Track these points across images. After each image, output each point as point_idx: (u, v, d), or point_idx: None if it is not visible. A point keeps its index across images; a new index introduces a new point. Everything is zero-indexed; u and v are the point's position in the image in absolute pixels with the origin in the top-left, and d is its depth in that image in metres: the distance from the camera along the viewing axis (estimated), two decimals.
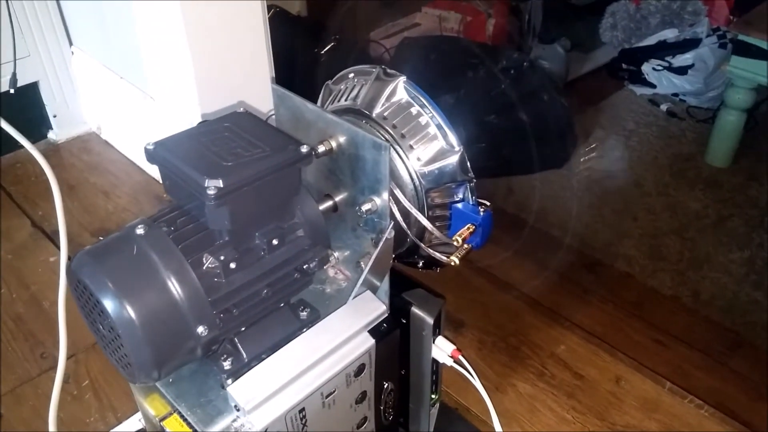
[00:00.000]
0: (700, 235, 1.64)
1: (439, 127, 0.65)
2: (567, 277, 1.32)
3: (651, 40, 2.29)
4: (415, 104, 0.66)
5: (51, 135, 1.53)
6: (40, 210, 1.30)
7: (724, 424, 0.91)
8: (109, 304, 0.51)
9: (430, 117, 0.65)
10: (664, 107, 2.15)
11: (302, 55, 1.85)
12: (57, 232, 0.89)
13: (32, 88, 1.46)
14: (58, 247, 1.06)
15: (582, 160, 1.92)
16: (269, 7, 1.88)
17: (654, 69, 2.21)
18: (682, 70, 2.16)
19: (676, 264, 1.54)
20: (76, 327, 0.81)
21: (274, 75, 1.25)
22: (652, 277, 1.50)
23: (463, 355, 0.74)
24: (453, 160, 0.64)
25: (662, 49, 2.25)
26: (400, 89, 0.66)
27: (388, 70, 0.68)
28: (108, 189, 1.37)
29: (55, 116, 1.51)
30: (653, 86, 2.21)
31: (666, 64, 2.19)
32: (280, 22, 1.90)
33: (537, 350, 1.02)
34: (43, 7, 1.40)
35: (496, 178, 1.82)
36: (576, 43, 2.38)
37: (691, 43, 2.19)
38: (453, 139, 0.64)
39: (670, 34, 2.27)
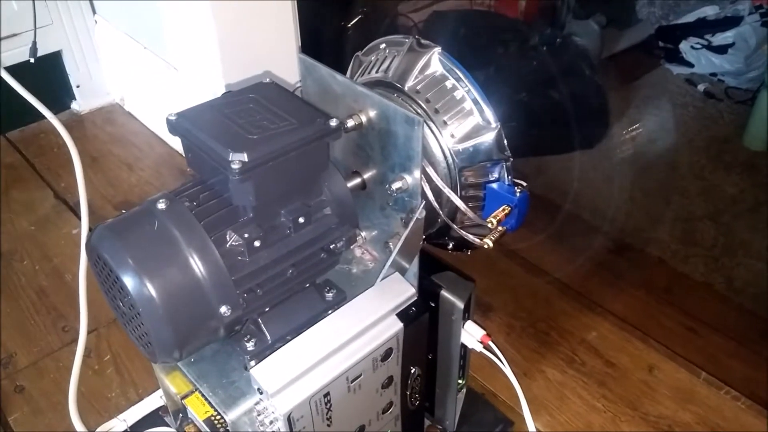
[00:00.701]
0: (736, 220, 1.58)
1: (475, 102, 0.61)
2: (598, 262, 1.28)
3: (690, 17, 2.21)
4: (450, 77, 0.62)
5: (74, 106, 1.52)
6: (63, 182, 1.29)
7: (761, 417, 0.88)
8: (128, 281, 0.48)
9: (466, 91, 0.62)
10: (701, 87, 2.07)
11: (329, 28, 1.81)
12: (79, 204, 0.88)
13: (55, 57, 1.44)
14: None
15: (615, 140, 1.87)
16: None
17: (692, 47, 2.13)
18: (721, 49, 2.08)
19: (709, 250, 1.50)
20: (98, 301, 0.80)
21: (300, 45, 1.21)
22: (685, 262, 1.45)
23: (492, 341, 0.71)
24: (489, 137, 0.61)
25: (701, 27, 2.17)
26: (434, 61, 0.63)
27: (422, 41, 0.65)
28: (131, 161, 1.36)
29: (78, 86, 1.50)
30: (691, 65, 2.13)
31: (705, 43, 2.11)
32: None
33: (567, 336, 0.98)
34: None
35: (526, 158, 1.78)
36: (611, 20, 2.29)
37: (732, 21, 2.10)
38: (490, 114, 0.61)
39: (710, 11, 2.18)
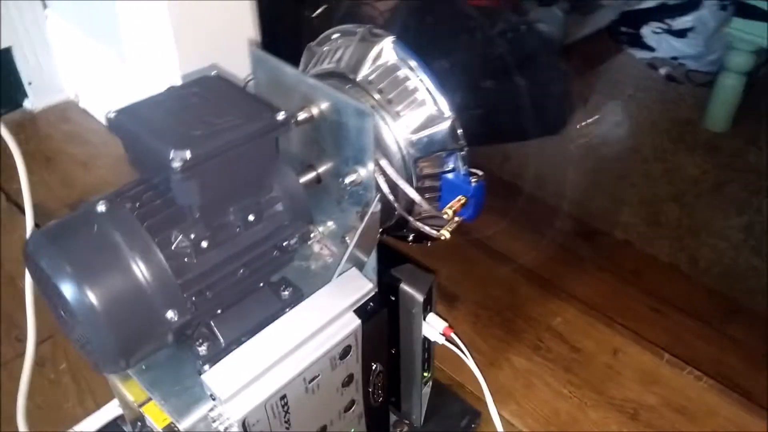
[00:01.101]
0: (699, 201, 1.61)
1: (428, 91, 0.60)
2: (564, 247, 1.28)
3: (651, 2, 2.22)
4: (403, 66, 0.61)
5: (26, 103, 1.47)
6: (15, 183, 1.24)
7: (723, 395, 0.89)
8: (67, 289, 0.46)
9: (419, 80, 0.60)
10: (663, 71, 2.09)
11: (294, 19, 1.78)
12: (34, 207, 0.84)
13: (5, 54, 1.39)
14: (36, 225, 1.01)
15: (579, 126, 1.87)
16: None
17: (653, 32, 2.15)
18: (681, 33, 2.10)
19: (674, 230, 1.52)
20: None
21: (260, 36, 1.19)
22: (651, 244, 1.47)
23: (455, 332, 0.71)
24: (443, 127, 0.60)
25: (662, 11, 2.18)
26: (387, 50, 0.61)
27: (375, 30, 0.63)
28: (87, 160, 1.32)
29: (30, 83, 1.44)
30: (652, 50, 2.15)
31: (665, 27, 2.13)
32: None
33: (533, 323, 0.98)
34: None
35: (492, 146, 1.77)
36: (575, 5, 2.30)
37: (691, 5, 2.12)
38: (443, 104, 0.60)
39: None
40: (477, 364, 0.71)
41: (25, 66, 1.42)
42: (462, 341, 0.70)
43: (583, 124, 1.82)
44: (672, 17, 2.14)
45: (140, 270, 0.48)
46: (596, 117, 1.85)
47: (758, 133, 1.81)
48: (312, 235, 0.63)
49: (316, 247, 0.67)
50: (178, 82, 1.06)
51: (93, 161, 1.31)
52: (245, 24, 1.14)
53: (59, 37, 1.42)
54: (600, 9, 2.36)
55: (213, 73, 0.58)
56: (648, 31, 2.16)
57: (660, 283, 1.25)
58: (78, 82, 1.47)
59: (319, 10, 1.85)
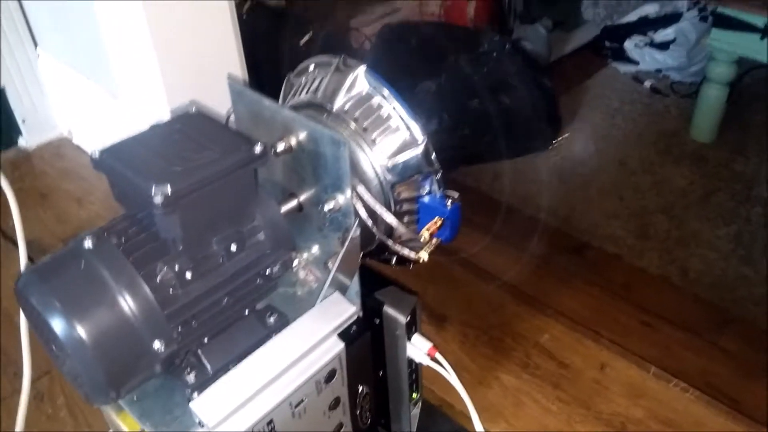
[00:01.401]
0: (687, 212, 1.63)
1: (401, 118, 0.62)
2: (554, 262, 1.30)
3: (632, 16, 2.27)
4: (376, 95, 0.63)
5: (21, 141, 1.49)
6: (11, 220, 1.26)
7: (710, 406, 0.90)
8: (57, 325, 0.48)
9: (392, 108, 0.62)
10: (647, 84, 2.13)
11: (282, 47, 1.81)
12: (28, 243, 0.86)
13: None
14: (31, 260, 1.03)
15: (567, 141, 1.90)
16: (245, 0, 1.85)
17: (636, 45, 2.19)
18: (664, 46, 2.14)
19: (663, 242, 1.53)
20: None
21: (245, 71, 1.22)
22: (640, 257, 1.48)
23: (444, 352, 0.72)
24: (417, 152, 0.62)
25: (644, 25, 2.23)
26: (360, 80, 0.64)
27: (348, 60, 0.65)
28: (81, 195, 1.34)
29: (24, 121, 1.47)
30: (636, 63, 2.19)
31: (648, 40, 2.17)
32: (258, 15, 1.86)
33: (521, 341, 1.00)
34: (5, 9, 1.36)
35: (481, 164, 1.80)
36: (558, 22, 2.34)
37: (672, 18, 2.16)
38: (416, 130, 0.62)
39: (651, 9, 2.24)
40: (466, 384, 0.72)
41: (18, 105, 1.46)
42: (451, 361, 0.71)
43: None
44: (654, 30, 2.18)
45: (127, 303, 0.49)
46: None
47: (743, 143, 1.84)
48: (296, 262, 0.64)
49: (302, 274, 0.69)
50: (167, 115, 1.09)
51: (87, 197, 1.33)
52: (231, 58, 1.16)
53: (51, 75, 1.45)
54: (583, 25, 2.40)
55: (193, 110, 0.60)
56: (631, 45, 2.20)
57: (650, 296, 1.26)
58: (71, 118, 1.50)
59: (305, 38, 1.89)
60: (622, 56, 2.22)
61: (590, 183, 1.73)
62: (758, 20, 1.61)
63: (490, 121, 1.78)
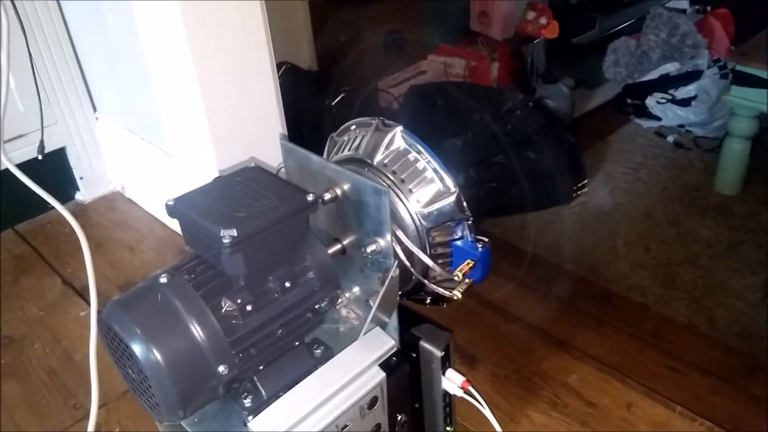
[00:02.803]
0: (713, 262, 1.65)
1: (435, 171, 0.70)
2: (581, 310, 1.33)
3: (653, 75, 2.34)
4: (412, 151, 0.71)
5: (78, 196, 1.61)
6: (70, 267, 1.36)
7: None
8: (137, 349, 0.55)
9: (426, 162, 0.70)
10: (670, 139, 2.18)
11: (315, 107, 1.92)
12: (86, 288, 0.94)
13: (60, 153, 1.55)
14: (88, 303, 1.11)
15: (592, 194, 1.95)
16: (281, 64, 1.98)
17: (658, 102, 2.25)
18: (685, 102, 2.20)
19: (690, 292, 1.55)
20: (107, 377, 0.86)
21: (285, 130, 1.32)
22: (667, 306, 1.50)
23: (473, 386, 0.77)
24: (450, 200, 0.69)
25: (665, 83, 2.30)
26: (397, 138, 0.72)
27: (387, 121, 0.74)
28: (133, 244, 1.44)
29: (81, 178, 1.59)
30: (659, 119, 2.25)
31: (669, 97, 2.24)
32: (292, 78, 1.99)
33: (549, 381, 1.04)
34: (68, 76, 1.50)
35: (508, 216, 1.86)
36: (580, 81, 2.43)
37: (692, 75, 2.23)
38: (449, 181, 0.69)
39: (671, 68, 2.32)
40: (498, 421, 0.76)
41: (77, 163, 1.58)
42: (482, 399, 0.76)
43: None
44: (675, 87, 2.25)
45: (197, 331, 0.57)
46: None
47: None
48: (339, 300, 0.71)
49: (344, 312, 0.75)
50: (215, 173, 1.19)
51: (138, 245, 1.43)
52: (273, 120, 1.26)
53: (107, 135, 1.58)
54: (605, 83, 2.49)
55: (252, 165, 0.69)
56: (653, 102, 2.27)
57: (678, 343, 1.29)
58: (124, 174, 1.62)
59: (337, 99, 2.01)
60: (645, 113, 2.29)
61: (616, 234, 1.77)
62: None
63: (516, 175, 1.85)
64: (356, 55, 2.23)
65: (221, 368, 0.57)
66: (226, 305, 0.60)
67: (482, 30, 2.45)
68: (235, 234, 0.57)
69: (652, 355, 1.18)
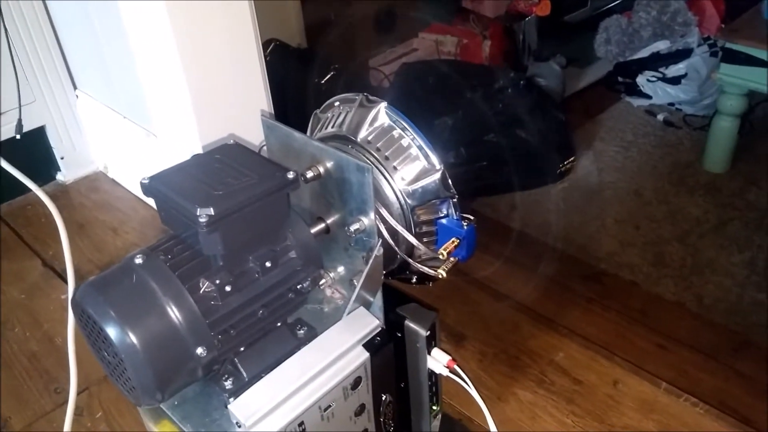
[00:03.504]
0: (702, 240, 1.65)
1: (420, 148, 0.68)
2: (570, 288, 1.33)
3: (644, 53, 2.33)
4: (396, 127, 0.69)
5: (59, 176, 1.58)
6: (51, 250, 1.34)
7: (720, 420, 0.93)
8: (112, 331, 0.54)
9: (411, 139, 0.68)
10: (660, 117, 2.17)
11: (304, 85, 1.90)
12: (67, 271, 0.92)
13: (39, 132, 1.51)
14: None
15: (583, 172, 1.95)
16: (269, 42, 1.94)
17: (648, 80, 2.24)
18: (675, 80, 2.19)
19: (679, 270, 1.56)
20: (88, 361, 0.84)
21: (271, 108, 1.29)
22: (656, 284, 1.51)
23: (459, 366, 0.76)
24: (435, 178, 0.67)
25: (655, 61, 2.29)
26: (381, 114, 0.70)
27: (370, 97, 0.72)
28: (116, 225, 1.41)
29: (62, 158, 1.56)
30: (649, 97, 2.24)
31: (660, 75, 2.23)
32: (280, 56, 1.96)
33: (536, 359, 1.04)
34: (46, 54, 1.46)
35: (499, 195, 1.85)
36: (571, 59, 2.42)
37: (683, 53, 2.22)
38: (434, 158, 0.67)
39: (662, 46, 2.30)
40: (484, 399, 0.76)
41: (57, 142, 1.55)
42: (469, 377, 0.75)
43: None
44: (665, 66, 2.24)
45: (174, 312, 0.55)
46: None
47: (756, 173, 1.87)
48: (323, 280, 0.70)
49: (328, 291, 0.74)
50: (199, 150, 1.17)
51: (121, 226, 1.41)
52: (259, 97, 1.24)
53: (89, 114, 1.54)
54: (596, 61, 2.47)
55: (231, 142, 0.67)
56: (643, 80, 2.26)
57: (666, 321, 1.29)
58: (106, 154, 1.59)
59: (327, 77, 1.98)
60: (635, 91, 2.28)
61: (606, 213, 1.77)
62: (764, 54, 1.66)
63: (506, 154, 1.84)
64: (346, 32, 2.20)
65: (200, 350, 0.56)
66: (204, 286, 0.58)
67: (474, 7, 2.42)
68: (212, 213, 0.55)
69: (641, 332, 1.18)
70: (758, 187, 1.82)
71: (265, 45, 1.97)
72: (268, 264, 0.61)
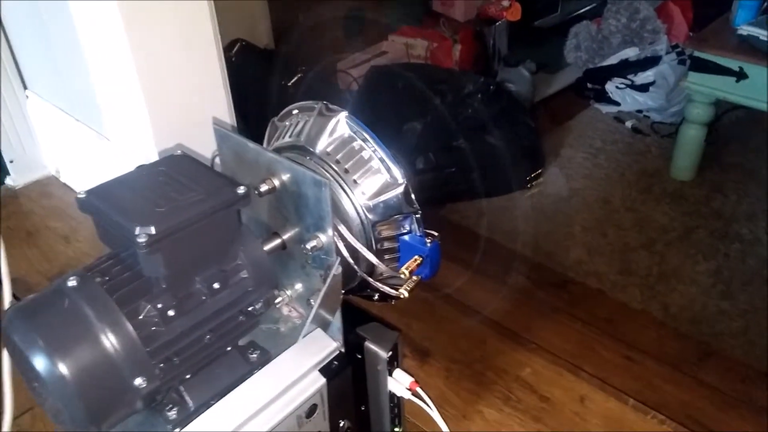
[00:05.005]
0: (668, 248, 1.65)
1: (381, 160, 0.64)
2: (537, 297, 1.32)
3: (613, 59, 2.34)
4: (357, 138, 0.65)
5: (8, 181, 1.51)
6: None
7: None
8: (39, 362, 0.49)
9: (372, 151, 0.65)
10: (629, 124, 2.18)
11: (270, 87, 1.85)
12: (14, 281, 0.87)
13: None
14: (17, 298, 1.03)
15: (551, 179, 1.94)
16: (235, 42, 1.89)
17: (617, 87, 2.25)
18: (644, 88, 2.20)
19: (645, 278, 1.55)
20: None
21: (233, 113, 1.24)
22: (623, 292, 1.50)
23: (425, 387, 0.73)
24: (397, 192, 0.64)
25: (624, 68, 2.29)
26: (342, 124, 0.66)
27: (330, 106, 0.68)
28: (68, 233, 1.35)
29: (12, 161, 1.49)
30: (618, 104, 2.25)
31: (628, 82, 2.23)
32: (246, 56, 1.90)
33: (503, 375, 1.01)
34: None
35: (467, 201, 1.83)
36: (541, 65, 2.41)
37: (651, 61, 2.23)
38: (396, 171, 0.64)
39: (631, 53, 2.31)
40: (450, 418, 0.73)
41: (6, 145, 1.47)
42: (434, 395, 0.72)
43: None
44: (634, 73, 2.25)
45: (109, 341, 0.51)
46: (562, 166, 1.91)
47: (722, 181, 1.88)
48: (279, 299, 0.66)
49: (285, 310, 0.70)
50: (155, 156, 1.11)
51: (74, 235, 1.34)
52: (219, 102, 1.19)
53: (40, 116, 1.47)
54: (566, 67, 2.47)
55: (178, 152, 0.62)
56: (612, 87, 2.26)
57: (632, 331, 1.28)
58: (59, 158, 1.52)
59: (294, 79, 1.94)
60: (604, 98, 2.28)
61: (574, 220, 1.76)
62: (732, 64, 1.67)
63: (475, 159, 1.82)
64: (315, 33, 2.16)
65: (138, 381, 0.52)
66: (145, 310, 0.54)
67: (444, 11, 2.40)
68: (153, 232, 0.51)
69: (607, 344, 1.16)
70: (724, 195, 1.83)
71: (231, 45, 1.92)
72: (216, 285, 0.57)
